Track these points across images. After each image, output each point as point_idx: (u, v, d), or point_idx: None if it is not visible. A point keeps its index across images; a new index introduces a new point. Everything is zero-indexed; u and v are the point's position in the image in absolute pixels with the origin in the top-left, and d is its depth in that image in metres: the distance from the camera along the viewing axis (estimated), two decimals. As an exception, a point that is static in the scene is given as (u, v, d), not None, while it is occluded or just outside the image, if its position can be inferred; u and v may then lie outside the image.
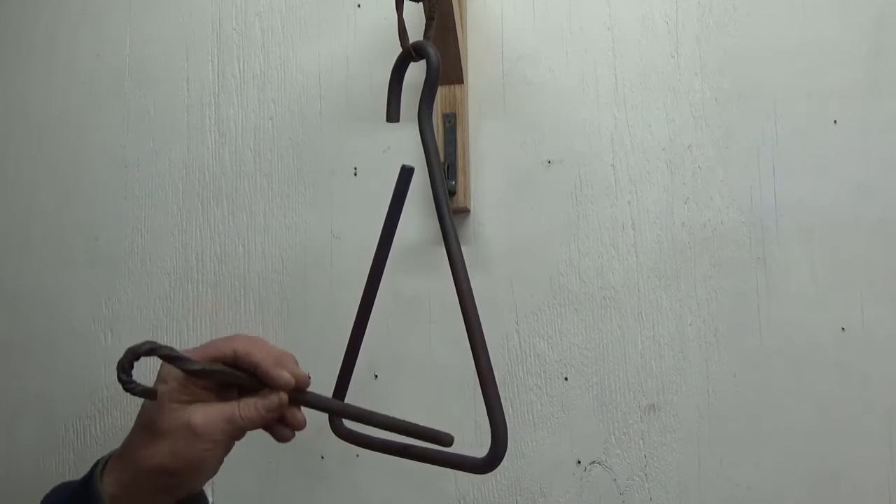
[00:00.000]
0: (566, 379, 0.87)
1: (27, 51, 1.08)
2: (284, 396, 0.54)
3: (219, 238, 0.98)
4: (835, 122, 0.84)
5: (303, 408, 0.57)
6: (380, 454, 0.76)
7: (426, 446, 0.67)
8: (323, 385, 0.89)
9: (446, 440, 0.58)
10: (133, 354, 0.49)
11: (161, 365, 0.53)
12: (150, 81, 1.03)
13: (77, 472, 0.97)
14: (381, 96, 0.95)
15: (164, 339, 0.98)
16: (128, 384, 0.49)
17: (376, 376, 0.91)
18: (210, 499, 0.96)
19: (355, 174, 0.95)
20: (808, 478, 0.81)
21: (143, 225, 1.01)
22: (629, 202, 0.88)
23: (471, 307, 0.63)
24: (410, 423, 0.59)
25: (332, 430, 0.75)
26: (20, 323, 1.03)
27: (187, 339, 0.97)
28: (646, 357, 0.86)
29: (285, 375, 0.53)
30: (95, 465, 0.54)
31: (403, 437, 0.60)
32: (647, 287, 0.86)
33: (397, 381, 0.91)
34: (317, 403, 0.57)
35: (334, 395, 0.73)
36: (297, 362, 0.56)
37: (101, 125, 1.04)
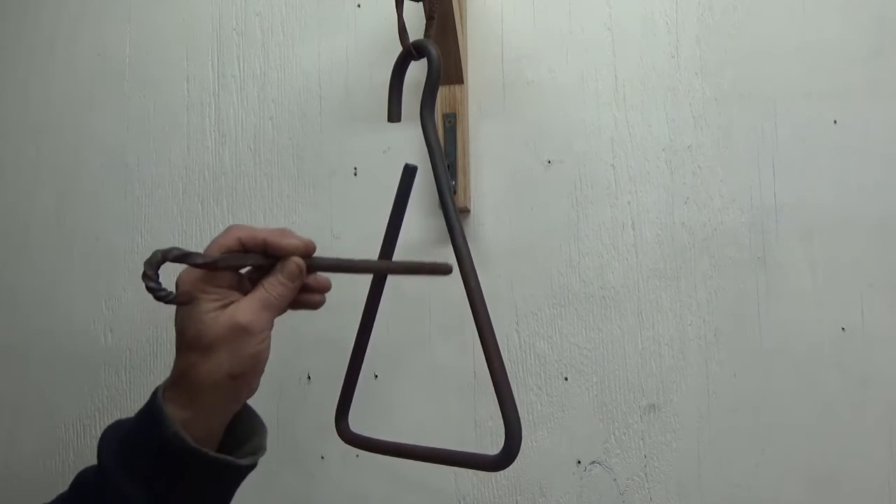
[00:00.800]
0: (566, 379, 0.87)
1: (27, 51, 1.08)
2: (300, 260, 0.54)
3: (219, 238, 0.98)
4: (835, 122, 0.84)
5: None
6: (380, 455, 0.77)
7: (435, 448, 0.67)
8: (324, 385, 0.89)
9: (446, 268, 0.60)
10: (161, 258, 0.48)
11: (177, 283, 0.52)
12: (150, 81, 1.03)
13: (77, 473, 0.98)
14: (381, 96, 0.95)
15: (163, 339, 0.98)
16: (158, 291, 0.47)
17: (376, 376, 0.91)
18: (210, 499, 0.96)
19: (355, 174, 0.95)
20: (808, 478, 0.81)
21: (143, 225, 1.01)
22: (629, 202, 0.88)
23: (480, 303, 0.63)
24: (409, 262, 0.62)
25: (339, 435, 0.76)
26: (20, 323, 1.03)
27: (187, 339, 0.97)
28: (646, 357, 0.86)
29: (293, 241, 0.54)
30: (155, 392, 0.53)
31: (399, 275, 0.63)
32: (647, 287, 0.86)
33: (397, 381, 0.91)
34: (328, 265, 0.58)
35: (341, 395, 0.73)
36: (295, 234, 0.56)
37: (101, 125, 1.04)
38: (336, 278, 0.97)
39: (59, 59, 1.06)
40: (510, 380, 0.88)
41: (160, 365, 0.97)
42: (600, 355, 0.87)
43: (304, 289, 0.57)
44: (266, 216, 0.97)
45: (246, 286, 0.54)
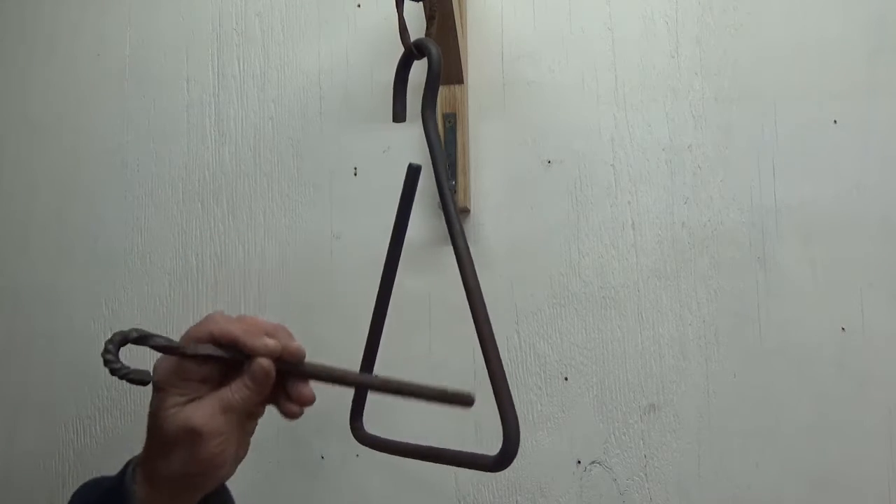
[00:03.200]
0: (566, 379, 0.87)
1: (27, 51, 1.08)
2: (265, 362, 0.50)
3: (219, 238, 0.98)
4: (835, 122, 0.84)
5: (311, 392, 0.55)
6: (380, 454, 0.77)
7: (440, 448, 0.67)
8: (324, 385, 0.89)
9: (467, 399, 0.53)
10: (121, 339, 0.48)
11: (154, 369, 0.51)
12: (150, 81, 1.03)
13: (77, 473, 0.98)
14: (381, 96, 0.95)
15: (164, 339, 0.98)
16: (114, 365, 0.47)
17: (376, 376, 0.91)
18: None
19: (355, 174, 0.95)
20: (808, 478, 0.81)
21: (143, 225, 1.01)
22: (629, 202, 0.88)
23: (479, 304, 0.63)
24: (427, 387, 0.54)
25: (354, 435, 0.76)
26: (20, 323, 1.03)
27: (187, 339, 0.97)
28: (646, 357, 0.86)
29: (265, 341, 0.50)
30: (128, 464, 0.53)
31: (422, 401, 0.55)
32: (647, 287, 0.86)
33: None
34: (317, 373, 0.54)
35: (355, 396, 0.72)
36: (291, 335, 0.53)
37: (101, 125, 1.04)
38: (337, 280, 0.97)
39: (59, 59, 1.06)
40: (510, 380, 0.88)
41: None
42: (600, 355, 0.87)
43: (282, 395, 0.53)
44: (266, 216, 0.97)
45: (226, 381, 0.51)
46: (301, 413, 0.54)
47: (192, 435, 0.48)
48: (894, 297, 0.81)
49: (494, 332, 0.87)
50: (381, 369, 0.91)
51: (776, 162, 0.85)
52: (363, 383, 0.57)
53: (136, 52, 1.04)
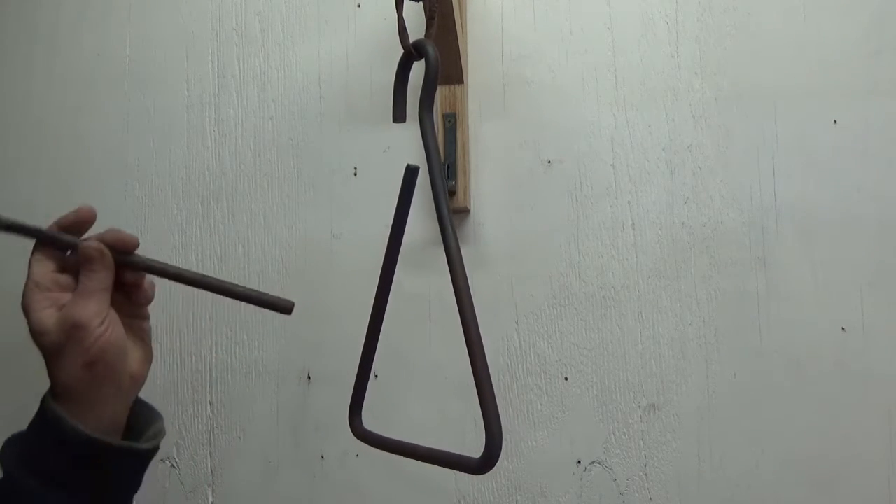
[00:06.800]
0: (566, 379, 0.87)
1: (27, 51, 1.08)
2: (92, 243, 0.55)
3: (219, 238, 0.98)
4: (835, 122, 0.84)
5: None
6: (380, 454, 0.77)
7: (429, 448, 0.67)
8: (324, 385, 0.89)
9: (286, 306, 0.57)
10: None
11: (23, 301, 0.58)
12: (150, 81, 1.03)
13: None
14: (382, 96, 0.95)
15: (164, 339, 0.98)
16: None
17: (376, 376, 0.91)
18: (210, 499, 0.96)
19: (355, 174, 0.95)
20: (808, 478, 0.81)
21: (143, 225, 1.01)
22: (629, 202, 0.88)
23: (468, 308, 0.63)
24: (247, 289, 0.57)
25: (351, 430, 0.77)
26: (20, 323, 1.02)
27: (187, 338, 0.97)
28: (646, 357, 0.86)
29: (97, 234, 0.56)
30: (43, 402, 0.56)
31: (245, 303, 0.57)
32: (647, 287, 0.86)
33: (397, 381, 0.91)
34: (152, 266, 0.58)
35: (354, 393, 0.74)
36: (122, 231, 0.57)
37: (101, 125, 1.04)
38: (337, 279, 0.97)
39: (59, 59, 1.06)
40: (511, 380, 0.88)
41: (159, 365, 0.97)
42: (600, 355, 0.87)
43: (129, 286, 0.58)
44: (266, 216, 0.97)
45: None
46: (147, 300, 0.60)
47: (74, 328, 0.53)
48: (894, 297, 0.81)
49: (495, 332, 0.88)
50: (381, 367, 0.91)
51: (776, 162, 0.85)
52: (195, 280, 0.59)
53: (136, 52, 1.04)
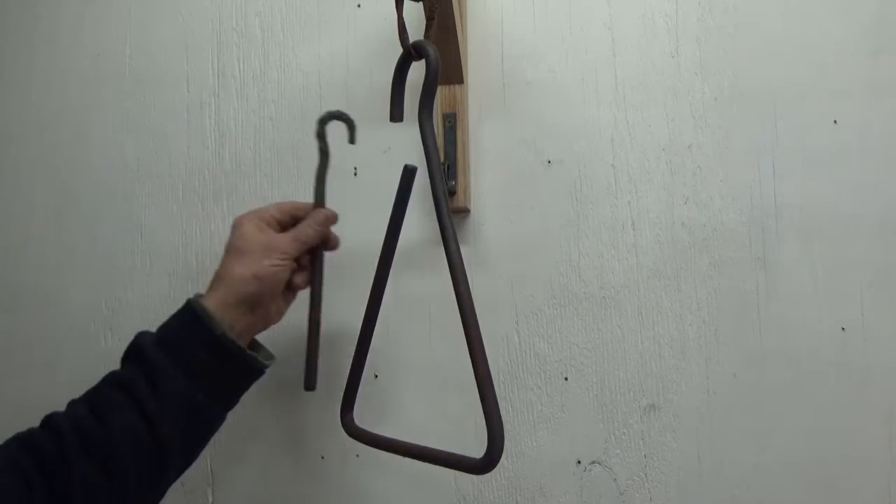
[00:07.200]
0: (566, 379, 0.87)
1: (27, 51, 1.08)
2: (329, 211, 0.80)
3: (219, 238, 0.98)
4: (835, 122, 0.84)
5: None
6: (380, 454, 0.77)
7: (429, 448, 0.68)
8: (324, 385, 0.89)
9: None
10: (329, 115, 0.79)
11: (241, 218, 0.75)
12: (150, 81, 1.03)
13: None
14: (382, 96, 0.95)
15: (164, 339, 0.98)
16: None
17: (376, 376, 0.91)
18: (210, 499, 0.96)
19: (355, 174, 0.95)
20: (808, 478, 0.81)
21: (143, 225, 1.01)
22: (629, 202, 0.88)
23: (469, 308, 0.63)
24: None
25: (343, 427, 0.77)
26: (20, 323, 1.03)
27: (187, 339, 0.97)
28: (646, 357, 0.86)
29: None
30: (190, 303, 0.69)
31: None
32: (647, 287, 0.86)
33: (397, 381, 0.91)
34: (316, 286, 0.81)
35: (346, 390, 0.80)
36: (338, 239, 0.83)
37: (101, 125, 1.04)
38: (337, 279, 0.97)
39: (59, 59, 1.06)
40: (511, 380, 0.88)
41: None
42: (600, 355, 0.87)
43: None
44: (266, 216, 0.97)
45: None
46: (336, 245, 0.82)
47: (267, 246, 0.71)
48: (894, 297, 0.81)
49: (495, 332, 0.88)
50: (381, 367, 0.91)
51: (776, 162, 0.85)
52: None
53: (136, 51, 1.04)
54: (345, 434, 0.82)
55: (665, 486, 0.84)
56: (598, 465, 0.85)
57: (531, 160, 0.90)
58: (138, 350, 0.67)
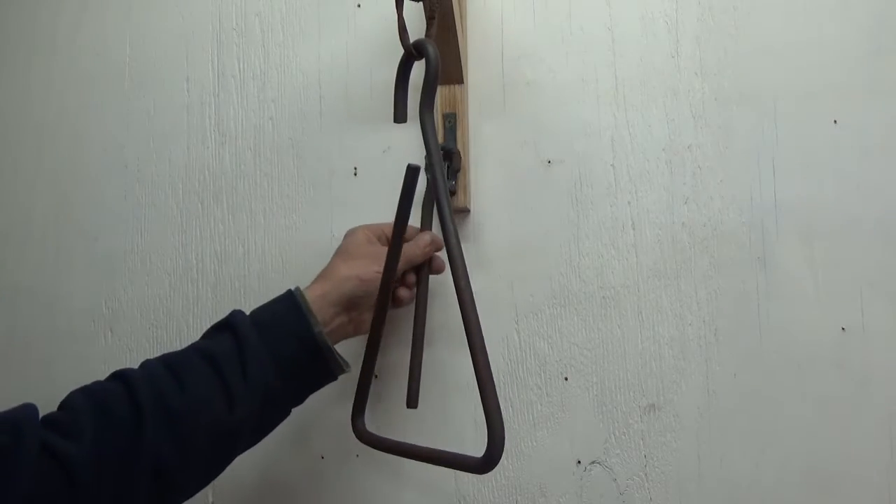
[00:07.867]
0: (566, 379, 0.87)
1: (27, 51, 1.08)
2: (434, 234, 0.81)
3: (219, 238, 0.98)
4: (835, 122, 0.84)
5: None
6: (380, 454, 0.77)
7: (431, 448, 0.68)
8: (329, 386, 0.89)
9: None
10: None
11: (355, 228, 0.80)
12: (150, 81, 1.03)
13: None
14: (381, 96, 0.95)
15: (163, 339, 0.98)
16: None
17: (376, 376, 0.91)
18: (210, 499, 0.96)
19: (355, 174, 0.95)
20: (808, 478, 0.81)
21: (143, 225, 1.01)
22: (629, 202, 0.88)
23: (470, 308, 0.63)
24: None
25: (354, 433, 0.77)
26: (20, 323, 1.03)
27: (187, 338, 0.97)
28: (646, 357, 0.86)
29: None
30: (293, 295, 0.71)
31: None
32: (647, 287, 0.86)
33: (397, 381, 0.91)
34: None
35: (357, 394, 0.79)
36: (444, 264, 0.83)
37: (101, 125, 1.04)
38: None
39: (59, 59, 1.06)
40: (511, 380, 0.88)
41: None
42: (600, 355, 0.87)
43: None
44: (266, 216, 0.97)
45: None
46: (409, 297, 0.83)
47: (377, 255, 0.74)
48: (894, 297, 0.81)
49: (494, 332, 0.88)
50: (381, 367, 0.91)
51: (776, 162, 0.85)
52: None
53: (136, 52, 1.04)
54: (344, 434, 0.81)
55: (665, 486, 0.84)
56: (598, 465, 0.85)
57: (531, 160, 0.90)
58: (233, 327, 0.66)
